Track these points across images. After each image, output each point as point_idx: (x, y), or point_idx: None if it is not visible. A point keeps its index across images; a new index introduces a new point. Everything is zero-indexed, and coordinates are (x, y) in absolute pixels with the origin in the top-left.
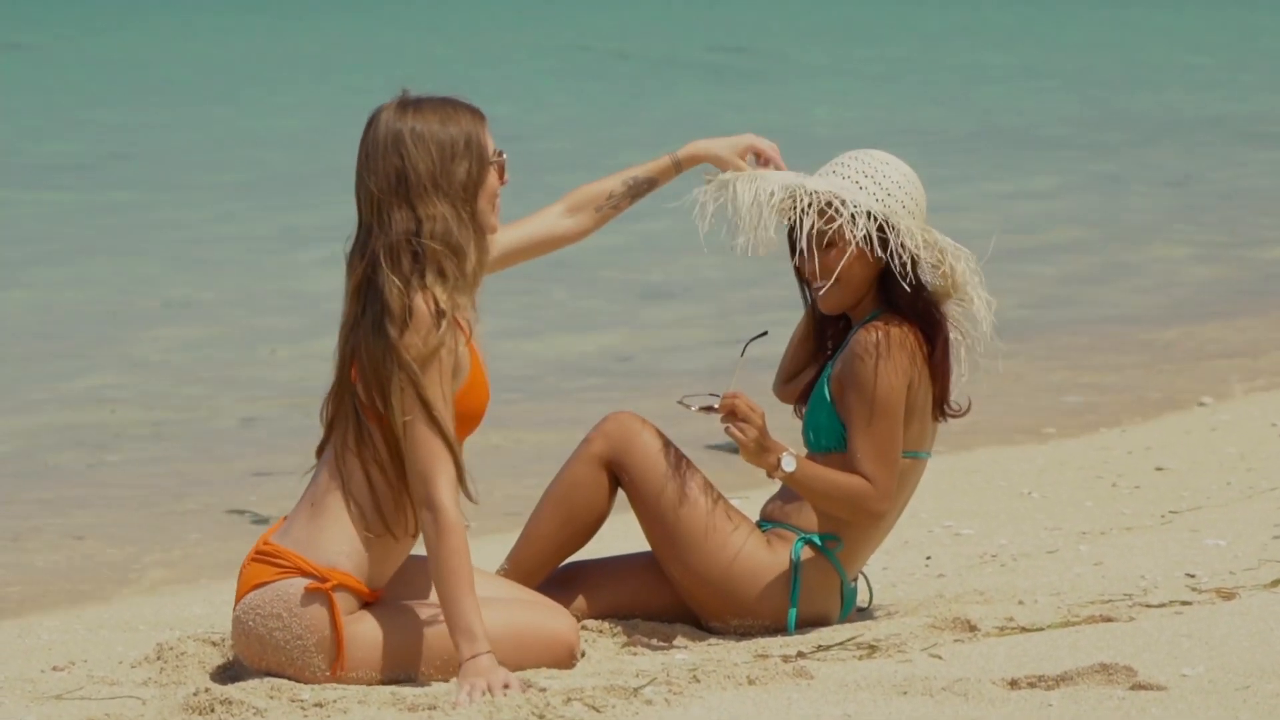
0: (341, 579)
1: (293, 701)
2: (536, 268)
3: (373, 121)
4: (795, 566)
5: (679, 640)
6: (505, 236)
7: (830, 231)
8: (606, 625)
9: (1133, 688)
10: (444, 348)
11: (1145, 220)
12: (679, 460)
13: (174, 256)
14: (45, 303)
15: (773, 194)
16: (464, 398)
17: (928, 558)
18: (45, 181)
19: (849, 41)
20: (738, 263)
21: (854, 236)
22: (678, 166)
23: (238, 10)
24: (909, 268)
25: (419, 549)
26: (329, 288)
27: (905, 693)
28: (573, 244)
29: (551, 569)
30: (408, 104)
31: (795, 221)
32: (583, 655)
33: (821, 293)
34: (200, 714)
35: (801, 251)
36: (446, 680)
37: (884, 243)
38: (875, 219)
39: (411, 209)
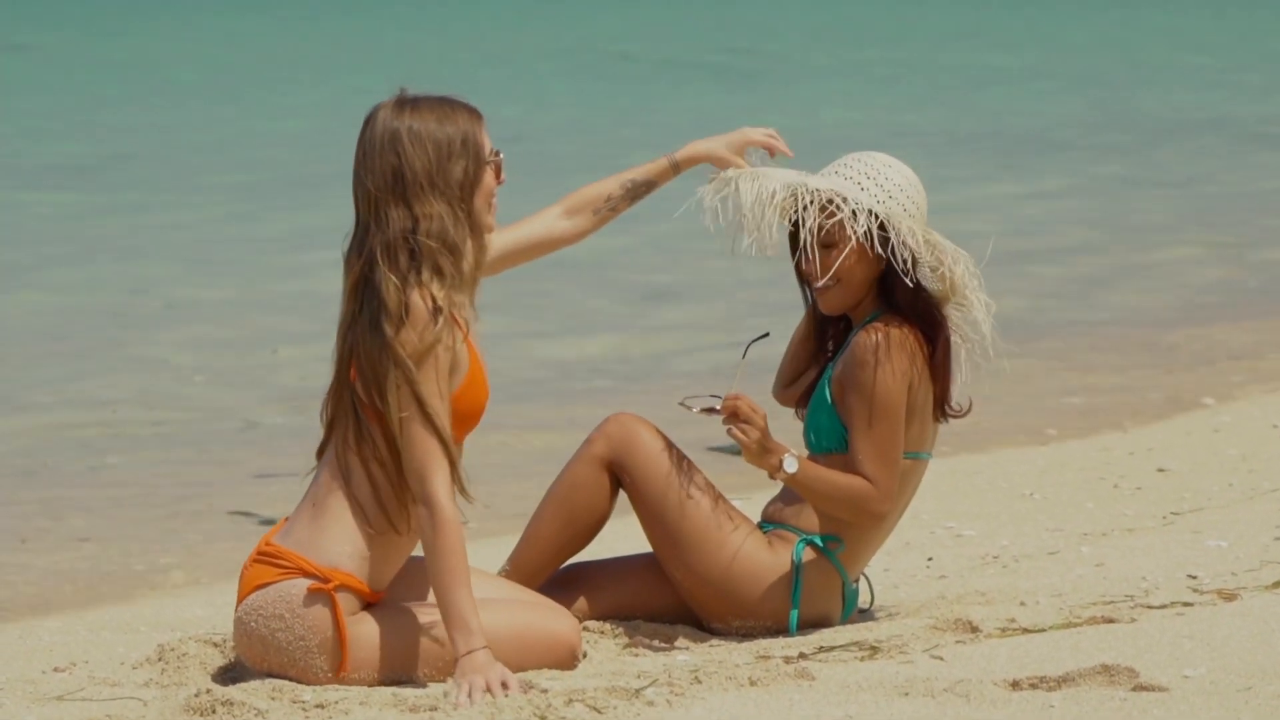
0: (344, 580)
1: (294, 703)
2: (539, 269)
3: (370, 120)
4: (797, 568)
5: (680, 641)
6: (503, 238)
7: (831, 228)
8: (608, 626)
9: (1134, 689)
10: (440, 344)
11: (1149, 221)
12: (680, 461)
13: (178, 257)
14: (49, 304)
15: (775, 192)
16: (463, 396)
17: (929, 559)
18: (48, 182)
19: (854, 43)
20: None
21: (854, 233)
22: (676, 168)
23: (243, 11)
24: (909, 265)
25: (421, 551)
26: (334, 289)
27: (907, 694)
28: (571, 245)
29: (553, 570)
30: (405, 102)
31: (797, 219)
32: (584, 656)
33: (822, 289)
34: (201, 715)
35: (803, 250)
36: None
37: (885, 241)
38: (877, 217)
39: (408, 207)
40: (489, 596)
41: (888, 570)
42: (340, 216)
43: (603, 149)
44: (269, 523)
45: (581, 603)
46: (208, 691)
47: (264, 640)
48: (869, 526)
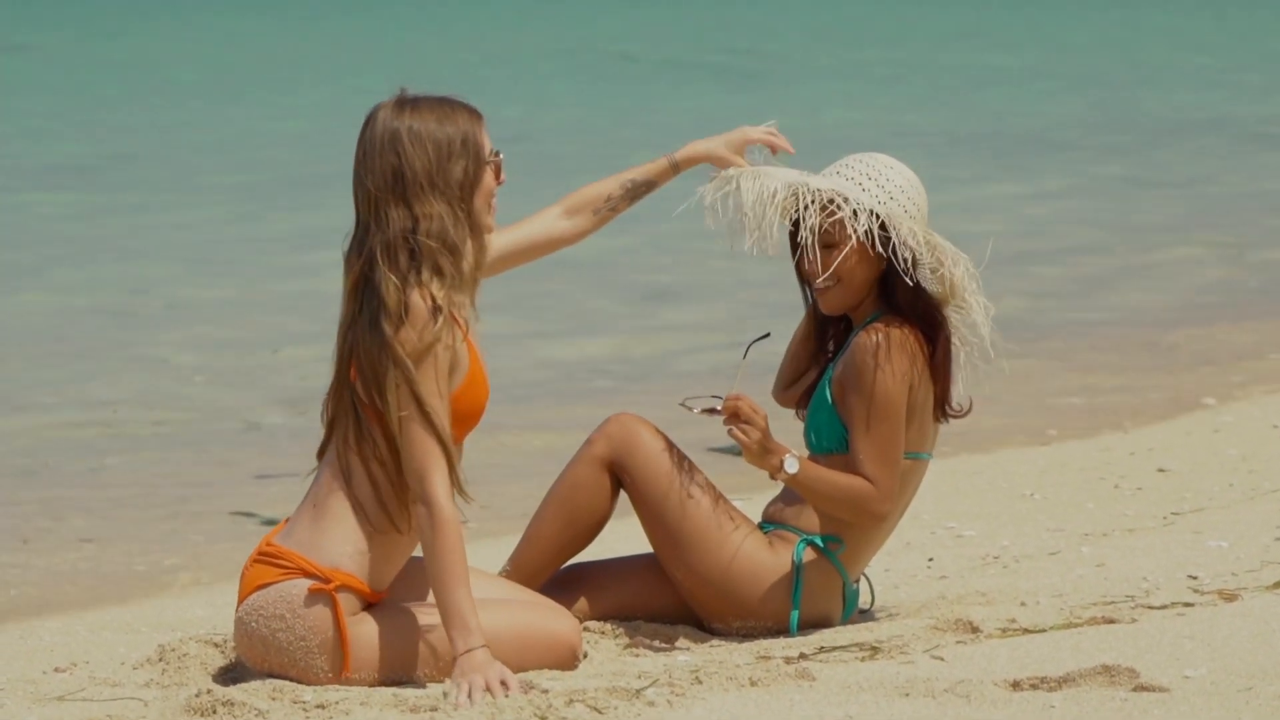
0: (345, 580)
1: (295, 703)
2: (541, 269)
3: (370, 120)
4: (797, 568)
5: (681, 642)
6: (503, 239)
7: (831, 227)
8: (609, 626)
9: (1135, 689)
10: (440, 343)
11: (1150, 221)
12: (681, 462)
13: (179, 258)
14: (49, 304)
15: (776, 191)
16: (463, 395)
17: (930, 559)
18: (48, 183)
19: (855, 43)
20: (741, 264)
21: (855, 233)
22: (675, 168)
23: (244, 11)
24: (910, 265)
25: (421, 551)
26: (336, 289)
27: (907, 694)
28: (571, 246)
29: (553, 570)
30: (405, 102)
31: (798, 218)
32: (585, 656)
33: (822, 289)
34: (202, 715)
35: (803, 249)
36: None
37: (885, 241)
38: (878, 217)
39: (408, 207)
40: (489, 597)
41: (888, 570)
42: (342, 217)
43: (604, 149)
44: (270, 523)
45: (582, 603)
46: (208, 692)
47: (264, 640)
48: (870, 527)
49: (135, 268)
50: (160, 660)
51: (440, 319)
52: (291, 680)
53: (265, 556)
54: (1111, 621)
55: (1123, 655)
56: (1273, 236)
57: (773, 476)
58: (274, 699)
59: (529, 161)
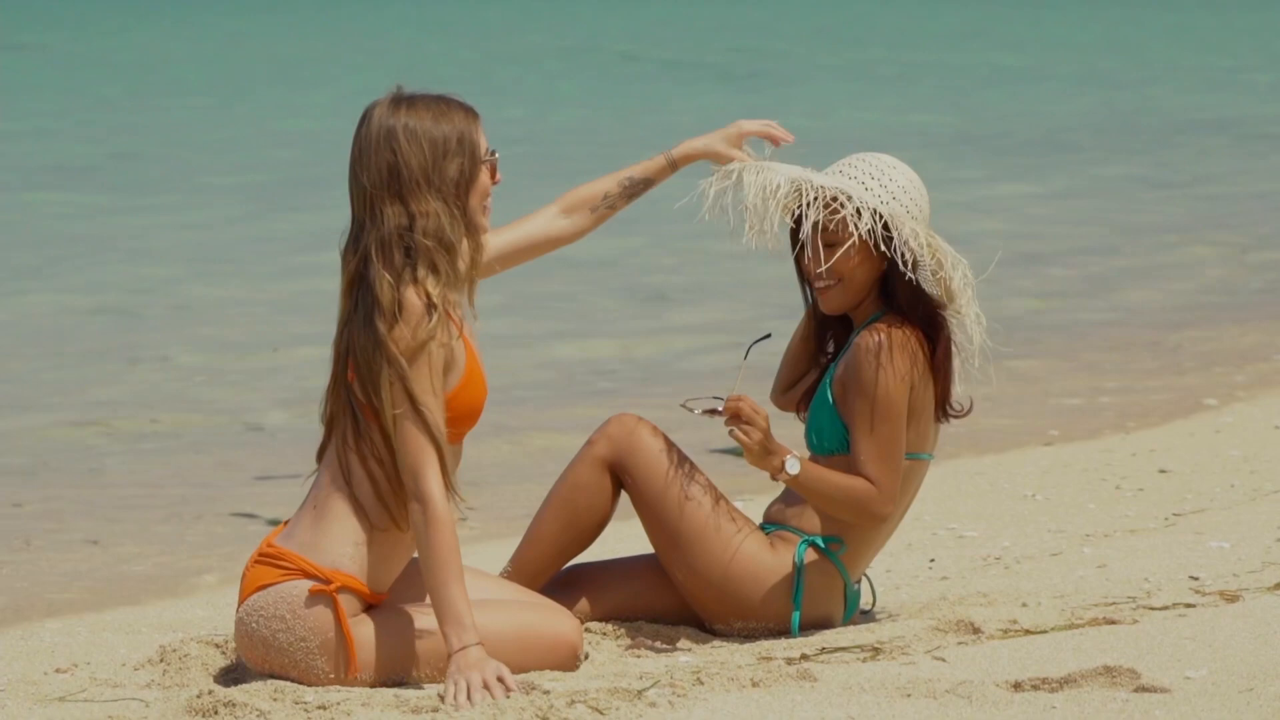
0: (345, 581)
1: (296, 704)
2: (543, 270)
3: (366, 117)
4: (798, 569)
5: (682, 642)
6: (501, 238)
7: (834, 225)
8: (610, 627)
9: (1136, 690)
10: (434, 341)
11: (1154, 222)
12: (682, 462)
13: (181, 258)
14: (52, 305)
15: (779, 185)
16: (460, 394)
17: (931, 560)
18: (51, 183)
19: (859, 43)
20: (744, 266)
21: (857, 231)
22: (673, 165)
23: (248, 11)
24: (911, 265)
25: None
26: (338, 289)
27: (909, 695)
28: (569, 244)
29: (555, 571)
30: (401, 100)
31: (800, 215)
32: (586, 657)
33: (823, 288)
34: (203, 716)
35: (804, 247)
36: None
37: (888, 240)
38: (880, 216)
39: (404, 204)
40: (490, 597)
41: (890, 571)
42: (345, 217)
43: (608, 150)
44: (272, 524)
45: (583, 604)
46: (209, 693)
47: (265, 641)
48: (871, 528)
49: (138, 268)
50: (161, 661)
51: (435, 316)
52: (292, 681)
53: (266, 557)
54: (1113, 622)
55: (1124, 656)
56: (1277, 238)
57: (774, 477)
58: (275, 699)
59: (533, 162)
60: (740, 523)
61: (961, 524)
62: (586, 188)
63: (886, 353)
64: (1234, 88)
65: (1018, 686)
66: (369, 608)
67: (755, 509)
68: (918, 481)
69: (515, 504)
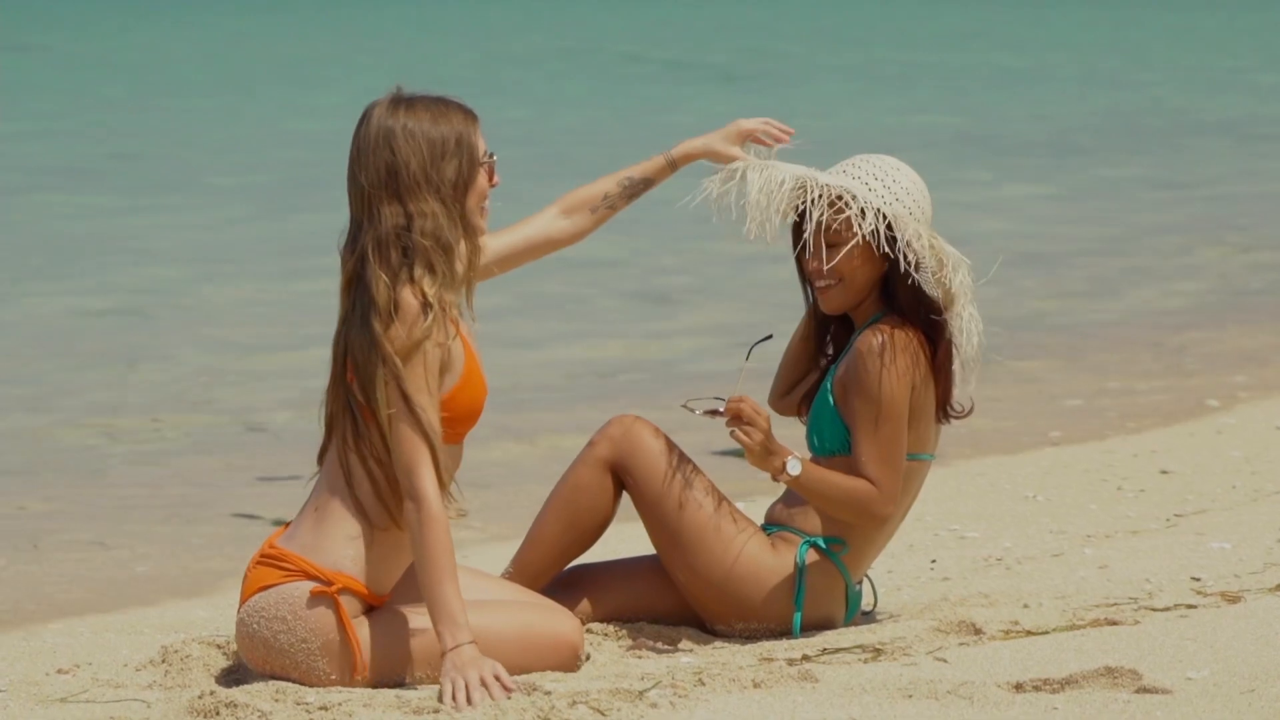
0: (346, 583)
1: (298, 705)
2: (545, 271)
3: (365, 117)
4: (800, 570)
5: (684, 643)
6: (501, 240)
7: (838, 224)
8: (611, 628)
9: (1138, 691)
10: (430, 341)
11: (1156, 223)
12: (683, 464)
13: (184, 259)
14: (54, 305)
15: (783, 182)
16: (459, 395)
17: (933, 561)
18: (53, 183)
19: (862, 43)
20: (748, 267)
21: (860, 230)
22: (673, 165)
23: (252, 12)
24: (913, 266)
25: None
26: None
27: (910, 696)
28: (569, 245)
29: (556, 572)
30: (400, 101)
31: (804, 213)
32: (587, 658)
33: (824, 288)
34: (205, 717)
35: (806, 246)
36: None
37: (891, 241)
38: (884, 216)
39: (401, 204)
40: (491, 598)
41: (891, 572)
42: (346, 218)
43: (610, 150)
44: (274, 524)
45: (585, 604)
46: (211, 693)
47: (266, 642)
48: (872, 528)
49: (141, 269)
50: (163, 662)
51: (431, 315)
52: (293, 682)
53: (268, 558)
54: (1114, 623)
55: (1125, 657)
56: (1279, 239)
57: (775, 478)
58: (277, 700)
59: (535, 163)
60: (741, 524)
61: (963, 525)
62: (586, 189)
63: (888, 353)
64: (1237, 88)
65: (1019, 687)
66: (370, 609)
67: (757, 510)
68: (919, 482)
69: (518, 505)
